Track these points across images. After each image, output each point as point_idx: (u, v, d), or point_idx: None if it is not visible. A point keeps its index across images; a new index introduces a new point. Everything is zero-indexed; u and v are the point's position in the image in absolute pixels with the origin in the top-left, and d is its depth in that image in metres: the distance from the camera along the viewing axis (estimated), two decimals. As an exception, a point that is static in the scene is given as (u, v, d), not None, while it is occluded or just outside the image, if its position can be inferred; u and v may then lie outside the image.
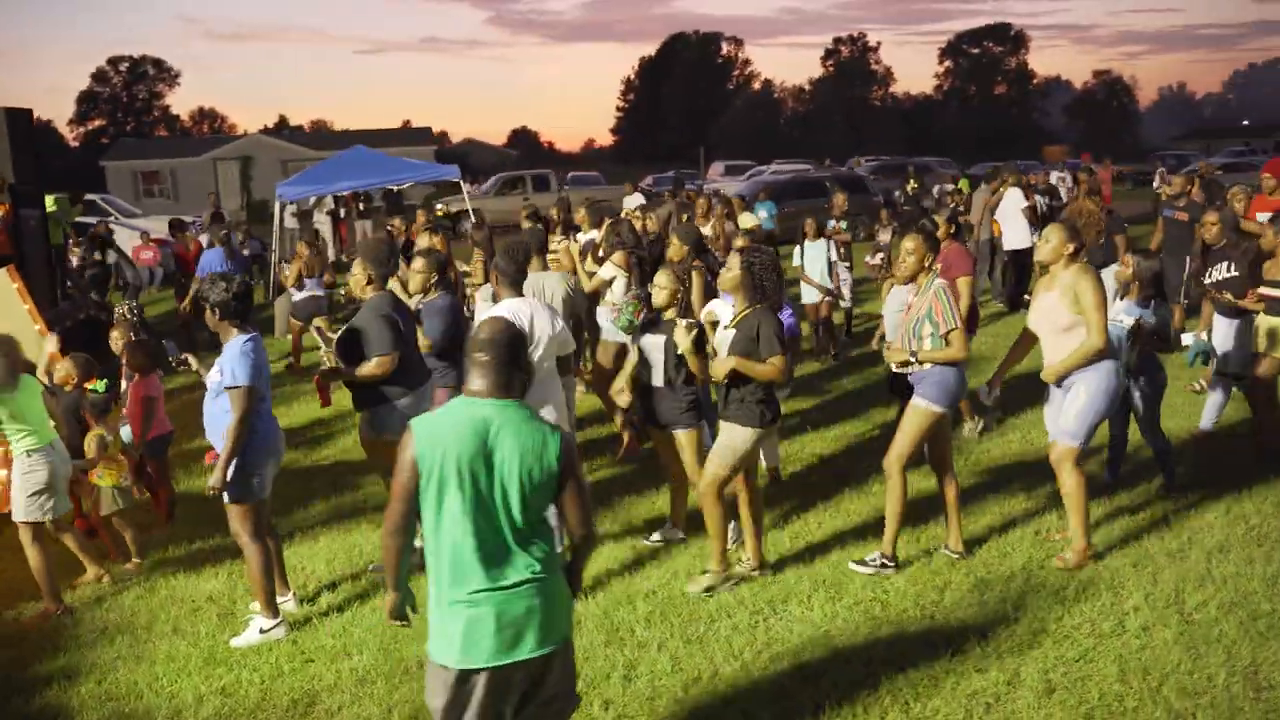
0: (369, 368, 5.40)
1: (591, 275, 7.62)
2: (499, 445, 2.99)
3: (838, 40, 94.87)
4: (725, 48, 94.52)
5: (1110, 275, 5.70)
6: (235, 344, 4.77)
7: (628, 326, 6.33)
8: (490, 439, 2.99)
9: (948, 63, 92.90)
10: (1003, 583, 5.24)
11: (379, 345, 5.41)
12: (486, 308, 6.15)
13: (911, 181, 22.80)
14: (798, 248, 10.26)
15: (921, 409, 5.30)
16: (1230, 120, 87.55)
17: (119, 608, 5.46)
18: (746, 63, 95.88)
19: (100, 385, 6.10)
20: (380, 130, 52.23)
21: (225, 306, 4.81)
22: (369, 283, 5.67)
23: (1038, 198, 14.46)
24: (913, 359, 5.30)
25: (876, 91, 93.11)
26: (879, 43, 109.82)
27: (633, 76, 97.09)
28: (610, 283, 7.35)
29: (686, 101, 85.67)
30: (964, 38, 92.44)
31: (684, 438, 5.50)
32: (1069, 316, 5.24)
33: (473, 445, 2.97)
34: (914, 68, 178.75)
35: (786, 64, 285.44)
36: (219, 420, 4.81)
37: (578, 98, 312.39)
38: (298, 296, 11.04)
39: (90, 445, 5.84)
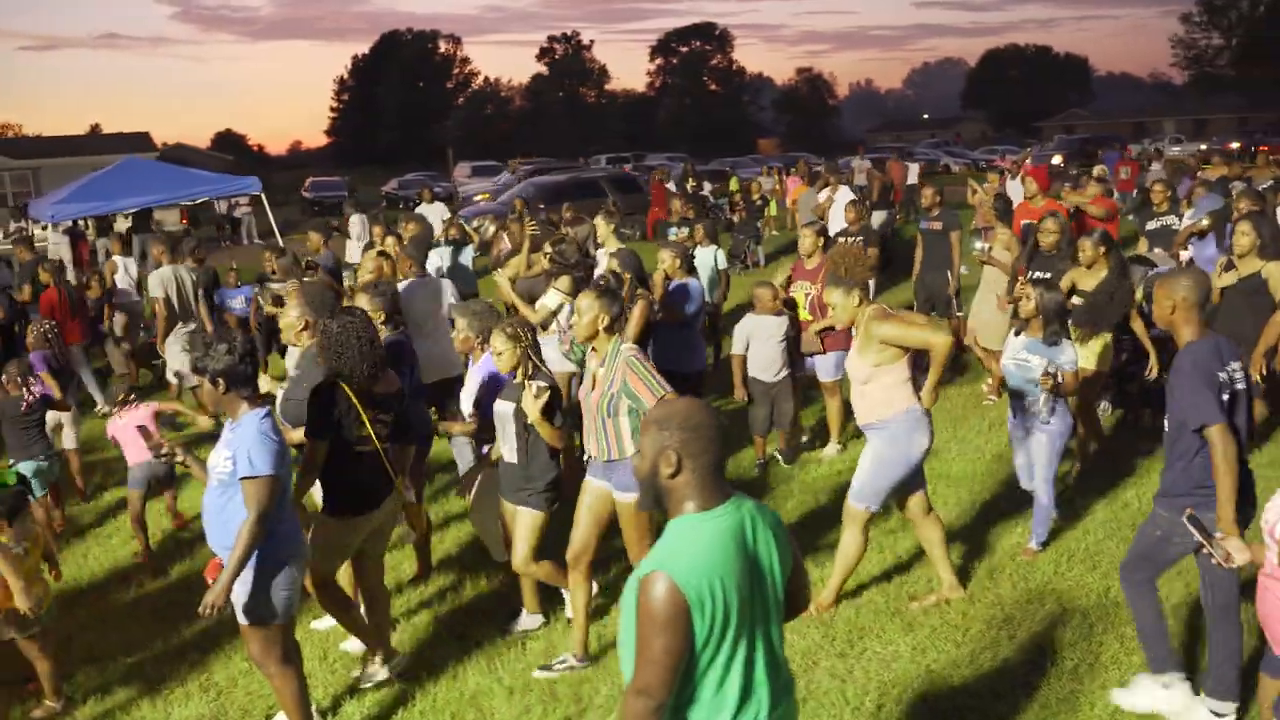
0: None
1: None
2: (759, 548, 2.49)
3: (551, 39, 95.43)
4: (443, 45, 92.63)
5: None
6: (250, 423, 3.87)
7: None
8: (749, 545, 2.47)
9: (659, 60, 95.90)
10: (1037, 598, 5.20)
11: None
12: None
13: (690, 180, 23.17)
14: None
15: (631, 502, 4.49)
16: (913, 113, 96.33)
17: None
18: (466, 60, 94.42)
19: (10, 476, 4.79)
20: (83, 136, 46.90)
21: (233, 375, 3.91)
22: (305, 328, 4.87)
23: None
24: None
25: (593, 90, 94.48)
26: (592, 41, 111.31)
27: (346, 76, 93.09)
28: (556, 311, 6.76)
29: (405, 100, 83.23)
30: (672, 36, 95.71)
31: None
32: (868, 369, 4.92)
33: (741, 563, 2.43)
34: (625, 66, 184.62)
35: (502, 62, 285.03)
36: (230, 518, 3.86)
37: (282, 98, 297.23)
38: None
39: None
